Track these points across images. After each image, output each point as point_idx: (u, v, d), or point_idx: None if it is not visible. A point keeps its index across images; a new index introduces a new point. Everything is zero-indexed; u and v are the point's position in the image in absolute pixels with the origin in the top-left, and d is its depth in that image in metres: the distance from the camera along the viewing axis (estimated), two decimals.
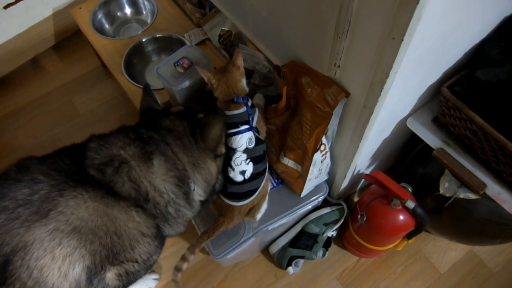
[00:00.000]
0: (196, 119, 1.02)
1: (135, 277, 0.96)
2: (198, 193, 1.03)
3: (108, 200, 0.86)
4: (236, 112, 1.08)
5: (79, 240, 0.82)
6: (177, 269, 1.20)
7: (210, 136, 0.98)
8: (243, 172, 1.09)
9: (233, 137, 1.08)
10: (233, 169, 1.09)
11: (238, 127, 1.07)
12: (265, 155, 1.16)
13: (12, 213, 0.80)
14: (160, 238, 0.99)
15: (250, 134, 1.09)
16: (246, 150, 1.09)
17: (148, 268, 1.01)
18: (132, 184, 0.89)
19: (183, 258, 1.19)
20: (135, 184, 0.90)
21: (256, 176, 1.12)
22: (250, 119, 1.09)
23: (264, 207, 1.22)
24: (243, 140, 1.08)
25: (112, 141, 0.94)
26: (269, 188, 1.25)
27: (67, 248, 0.81)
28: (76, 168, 0.88)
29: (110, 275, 0.89)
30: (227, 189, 1.13)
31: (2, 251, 0.78)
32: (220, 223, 1.16)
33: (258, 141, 1.11)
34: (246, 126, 1.08)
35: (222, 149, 1.04)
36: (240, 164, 1.09)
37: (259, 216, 1.21)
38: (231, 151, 1.09)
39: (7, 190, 0.82)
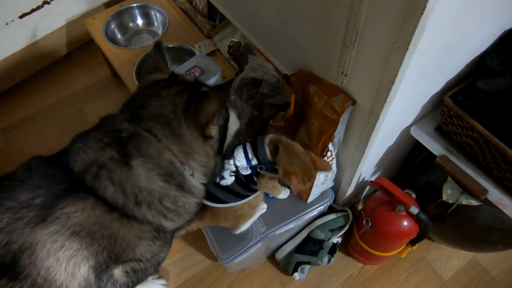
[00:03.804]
0: (199, 92, 0.93)
1: (143, 273, 0.97)
2: (198, 177, 0.96)
3: (99, 208, 0.84)
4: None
5: (80, 242, 0.83)
6: None
7: (203, 111, 0.88)
8: (221, 177, 1.07)
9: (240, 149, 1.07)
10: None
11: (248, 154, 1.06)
12: (244, 193, 1.12)
13: (17, 213, 0.81)
14: (162, 237, 0.96)
15: (248, 170, 1.06)
16: (237, 170, 1.06)
17: (157, 264, 1.01)
18: (116, 188, 0.85)
19: None
20: (119, 188, 0.85)
21: (229, 191, 1.09)
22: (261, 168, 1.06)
23: (243, 227, 1.24)
24: (242, 161, 1.06)
25: (90, 143, 0.88)
26: (250, 218, 1.23)
27: (69, 251, 0.82)
28: (67, 175, 0.86)
29: (117, 272, 0.90)
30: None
31: (11, 248, 0.80)
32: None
33: (247, 183, 1.08)
34: (254, 163, 1.06)
35: (212, 131, 0.92)
36: (226, 170, 1.07)
37: (236, 231, 1.24)
38: (231, 156, 1.08)
39: (13, 191, 0.84)
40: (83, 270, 0.84)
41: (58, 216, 0.81)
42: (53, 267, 0.82)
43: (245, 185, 1.08)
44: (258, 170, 1.05)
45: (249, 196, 1.11)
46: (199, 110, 0.88)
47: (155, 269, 1.04)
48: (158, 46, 1.02)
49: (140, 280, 0.98)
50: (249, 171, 1.05)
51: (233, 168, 1.06)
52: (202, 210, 1.12)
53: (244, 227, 1.24)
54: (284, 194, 1.29)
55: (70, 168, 0.85)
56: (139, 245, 0.91)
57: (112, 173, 0.85)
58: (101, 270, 0.87)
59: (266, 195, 1.31)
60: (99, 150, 0.86)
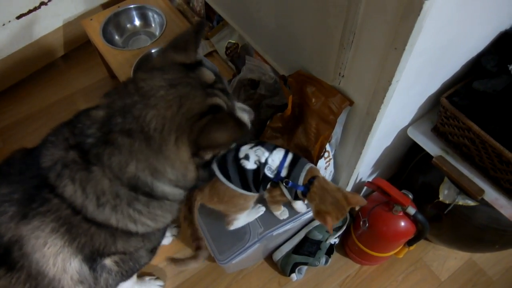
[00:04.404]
0: (213, 106, 0.81)
1: (134, 262, 0.95)
2: (169, 188, 0.86)
3: (63, 209, 0.81)
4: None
5: (62, 239, 0.81)
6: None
7: (211, 135, 0.77)
8: (246, 157, 1.03)
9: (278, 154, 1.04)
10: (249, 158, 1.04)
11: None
12: (249, 186, 1.07)
13: (1, 207, 0.80)
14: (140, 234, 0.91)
15: (272, 174, 1.03)
16: (263, 164, 1.03)
17: (148, 253, 0.98)
18: (75, 188, 0.79)
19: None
20: (79, 187, 0.79)
21: (240, 173, 1.04)
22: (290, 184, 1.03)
23: (235, 222, 1.22)
24: (275, 162, 1.04)
25: (59, 140, 0.83)
26: (239, 213, 1.19)
27: (54, 247, 0.81)
28: (37, 171, 0.82)
29: (108, 262, 0.89)
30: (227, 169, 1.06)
31: (2, 240, 0.80)
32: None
33: (260, 181, 1.05)
34: (284, 174, 1.03)
35: (207, 156, 0.85)
36: (254, 156, 1.03)
37: (230, 226, 1.23)
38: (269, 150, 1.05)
39: None
40: (74, 264, 0.84)
41: (35, 213, 0.80)
42: (41, 262, 0.81)
43: (256, 181, 1.05)
44: (282, 182, 1.03)
45: (251, 191, 1.09)
46: (206, 132, 0.77)
47: (150, 259, 1.02)
48: (200, 24, 0.88)
49: (134, 269, 0.97)
50: (272, 175, 1.03)
51: (262, 160, 1.03)
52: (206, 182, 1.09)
53: (237, 224, 1.22)
54: (283, 214, 1.27)
55: (39, 163, 0.82)
56: (115, 242, 0.87)
57: (74, 173, 0.80)
58: (92, 262, 0.86)
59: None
60: (64, 150, 0.81)
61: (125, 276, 0.97)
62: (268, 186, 1.06)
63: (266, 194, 1.13)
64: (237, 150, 1.06)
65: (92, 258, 0.86)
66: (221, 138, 0.78)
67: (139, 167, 0.79)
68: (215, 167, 1.05)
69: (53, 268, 0.82)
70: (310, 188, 1.00)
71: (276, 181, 1.04)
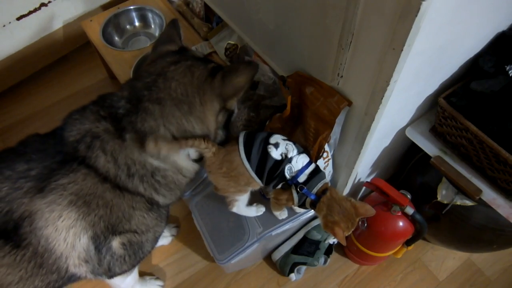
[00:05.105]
0: (218, 66, 0.96)
1: (140, 247, 0.98)
2: (191, 155, 0.98)
3: (90, 179, 0.85)
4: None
5: (77, 212, 0.84)
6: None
7: (233, 82, 0.91)
8: (276, 145, 1.01)
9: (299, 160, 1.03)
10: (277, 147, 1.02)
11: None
12: (261, 173, 1.05)
13: (15, 183, 0.83)
14: (156, 210, 0.98)
15: (289, 175, 1.02)
16: (285, 161, 1.01)
17: (153, 241, 1.01)
18: (107, 158, 0.86)
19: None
20: (111, 158, 0.86)
21: (261, 158, 1.02)
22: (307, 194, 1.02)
23: (236, 204, 1.18)
24: (298, 165, 1.02)
25: (86, 114, 0.90)
26: (236, 194, 1.15)
27: (68, 220, 0.83)
28: (61, 147, 0.87)
29: (115, 244, 0.92)
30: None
31: (12, 216, 0.81)
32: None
33: (275, 175, 1.03)
34: (302, 180, 1.02)
35: (233, 104, 0.97)
36: (282, 149, 1.01)
37: (232, 208, 1.19)
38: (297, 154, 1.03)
39: (10, 162, 0.86)
40: (83, 240, 0.86)
41: (54, 187, 0.83)
42: (52, 236, 0.83)
43: (272, 173, 1.02)
44: (296, 187, 1.02)
45: (260, 180, 1.05)
46: (227, 82, 0.90)
47: (152, 248, 1.04)
48: (173, 22, 1.06)
49: (137, 255, 0.99)
50: (288, 176, 1.02)
51: (289, 155, 1.01)
52: (225, 144, 1.05)
53: (238, 208, 1.19)
54: (282, 214, 1.28)
55: (64, 139, 0.87)
56: (133, 216, 0.92)
57: (105, 144, 0.86)
58: (100, 241, 0.88)
59: (263, 196, 1.31)
60: (94, 121, 0.88)
61: (126, 264, 0.98)
62: (279, 186, 1.06)
63: (272, 194, 1.13)
64: (270, 134, 1.04)
65: (101, 237, 0.88)
66: (242, 80, 0.92)
67: (171, 130, 0.90)
68: (240, 141, 1.03)
69: (62, 244, 0.84)
70: (321, 198, 1.00)
71: (290, 184, 1.03)
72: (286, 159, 1.01)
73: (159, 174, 0.93)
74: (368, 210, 1.00)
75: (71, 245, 0.85)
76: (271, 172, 1.02)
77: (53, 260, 0.86)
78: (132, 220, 0.92)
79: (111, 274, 0.97)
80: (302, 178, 1.02)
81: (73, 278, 0.93)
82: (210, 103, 0.93)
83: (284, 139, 1.04)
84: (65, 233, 0.84)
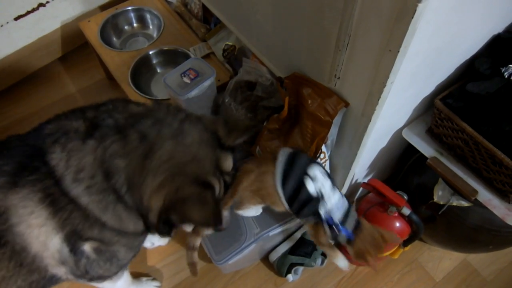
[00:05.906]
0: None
1: (112, 255, 0.91)
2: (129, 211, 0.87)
3: (48, 180, 0.80)
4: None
5: (47, 211, 0.80)
6: (191, 248, 1.11)
7: (185, 207, 0.80)
8: (313, 179, 0.98)
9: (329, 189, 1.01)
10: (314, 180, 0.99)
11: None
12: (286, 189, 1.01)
13: None
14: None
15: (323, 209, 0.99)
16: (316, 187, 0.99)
17: (126, 251, 0.95)
18: (61, 156, 0.80)
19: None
20: (65, 158, 0.80)
21: (295, 177, 0.98)
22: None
23: (247, 212, 1.18)
24: (331, 202, 1.00)
25: (76, 113, 0.86)
26: (249, 202, 1.12)
27: (39, 218, 0.79)
28: (34, 141, 0.84)
29: (87, 248, 0.87)
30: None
31: None
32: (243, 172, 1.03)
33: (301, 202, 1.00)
34: (338, 217, 1.00)
35: (173, 218, 0.85)
36: (314, 186, 0.98)
37: (240, 212, 1.16)
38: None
39: None
40: (55, 241, 0.82)
41: (25, 182, 0.79)
42: (26, 233, 0.80)
43: (303, 207, 0.99)
44: (333, 225, 0.99)
45: (286, 206, 1.02)
46: (183, 202, 0.79)
47: (132, 256, 0.98)
48: (256, 127, 0.94)
49: (113, 263, 0.94)
50: (324, 217, 0.98)
51: (322, 191, 0.98)
52: (263, 163, 1.04)
53: (246, 213, 1.18)
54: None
55: (42, 131, 0.83)
56: (92, 227, 0.84)
57: (68, 141, 0.80)
58: (73, 243, 0.83)
59: None
60: (75, 120, 0.83)
61: (104, 269, 0.93)
62: (313, 221, 1.03)
63: (309, 230, 1.09)
64: (310, 163, 0.99)
65: (73, 239, 0.83)
66: (194, 216, 0.81)
67: (125, 169, 0.80)
68: (279, 164, 0.99)
69: (35, 242, 0.80)
70: (356, 235, 1.00)
71: (329, 224, 1.00)
72: (320, 195, 0.98)
73: (108, 196, 0.82)
74: (395, 238, 1.03)
75: (44, 244, 0.81)
76: (304, 205, 0.99)
77: (31, 259, 0.82)
78: (93, 228, 0.84)
79: (90, 277, 0.92)
80: (337, 216, 1.00)
81: (55, 279, 0.89)
82: (160, 196, 0.81)
83: (321, 172, 1.01)
84: (37, 231, 0.80)
